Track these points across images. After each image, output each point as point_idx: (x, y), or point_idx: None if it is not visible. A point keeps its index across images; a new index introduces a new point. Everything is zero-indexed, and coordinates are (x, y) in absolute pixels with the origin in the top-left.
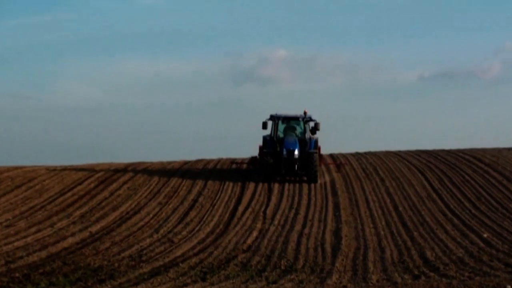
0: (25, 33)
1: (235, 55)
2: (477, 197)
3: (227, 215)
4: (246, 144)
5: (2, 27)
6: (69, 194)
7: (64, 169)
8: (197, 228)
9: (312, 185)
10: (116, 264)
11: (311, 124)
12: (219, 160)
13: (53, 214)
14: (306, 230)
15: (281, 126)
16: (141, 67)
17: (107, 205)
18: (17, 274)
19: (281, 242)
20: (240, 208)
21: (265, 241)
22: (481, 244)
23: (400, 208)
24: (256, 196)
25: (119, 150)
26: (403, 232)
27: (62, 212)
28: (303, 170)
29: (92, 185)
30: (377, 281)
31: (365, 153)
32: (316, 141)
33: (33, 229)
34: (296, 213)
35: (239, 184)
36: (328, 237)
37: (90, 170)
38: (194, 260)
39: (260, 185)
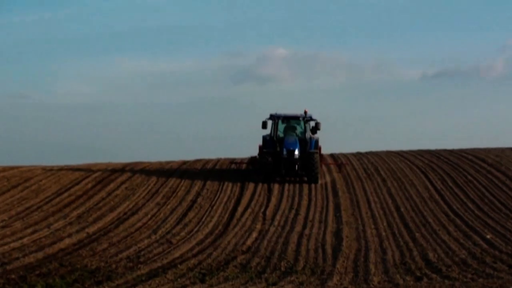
0: (23, 32)
1: (234, 53)
2: (480, 197)
3: (226, 215)
4: (246, 144)
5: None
6: (66, 194)
7: (61, 169)
8: (195, 229)
9: (313, 185)
10: (114, 266)
11: (312, 123)
12: (218, 160)
13: (50, 214)
14: (307, 231)
15: (281, 126)
16: (139, 65)
17: (105, 205)
18: (13, 276)
19: (281, 243)
20: (240, 209)
21: (265, 242)
22: (484, 245)
23: (402, 209)
24: (256, 196)
25: (116, 150)
26: (405, 233)
27: (58, 212)
28: (303, 171)
29: (89, 185)
30: (379, 283)
31: (367, 153)
32: (316, 141)
33: (29, 230)
34: (296, 214)
35: (239, 184)
36: (328, 238)
37: (87, 170)
38: (193, 261)
39: (260, 185)
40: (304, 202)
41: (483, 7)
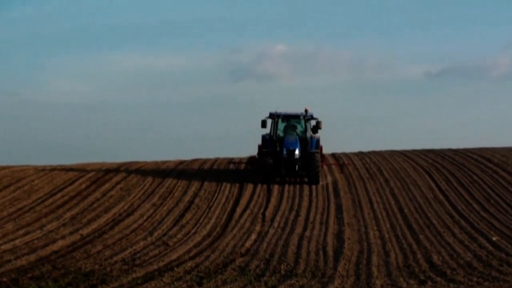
0: (10, 27)
1: (233, 50)
2: (486, 198)
3: (224, 217)
4: (245, 143)
5: None
6: (59, 195)
7: (54, 169)
8: (193, 231)
9: (313, 186)
10: (108, 268)
11: (313, 122)
12: (216, 160)
13: (43, 216)
14: (307, 233)
15: (281, 125)
16: (134, 62)
17: (99, 206)
18: (4, 279)
19: (281, 245)
20: (238, 210)
21: (264, 244)
22: (490, 248)
23: (406, 210)
24: (255, 197)
25: (111, 149)
26: (409, 235)
27: (51, 213)
28: (304, 171)
29: (83, 186)
30: (381, 286)
31: (369, 152)
32: (317, 141)
33: (21, 232)
34: (297, 215)
35: (237, 185)
36: (330, 240)
37: (81, 170)
38: (190, 264)
39: (259, 186)
40: (305, 203)
41: (488, 4)
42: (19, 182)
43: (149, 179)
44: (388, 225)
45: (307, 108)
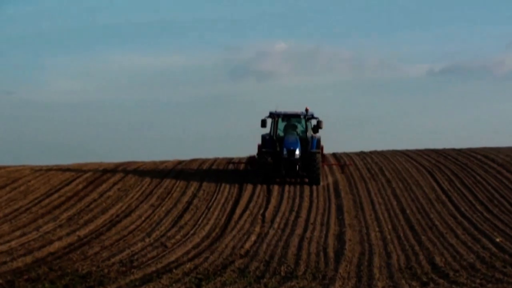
0: (8, 25)
1: (232, 48)
2: (490, 199)
3: (223, 218)
4: (244, 143)
5: None
6: (56, 195)
7: (50, 169)
8: (191, 232)
9: (314, 186)
10: (106, 270)
11: (313, 122)
12: (215, 160)
13: (39, 216)
14: (308, 234)
15: (281, 124)
16: (131, 61)
17: (96, 207)
18: (0, 281)
19: (281, 246)
20: (238, 211)
21: (264, 245)
22: (494, 249)
23: (408, 211)
24: (255, 198)
25: (108, 149)
26: (411, 236)
27: (48, 214)
28: (304, 171)
29: (80, 186)
30: None
31: (370, 152)
32: (318, 140)
33: (17, 233)
34: (297, 216)
35: (237, 185)
36: (331, 241)
37: (78, 170)
38: (189, 265)
39: (259, 186)
40: (305, 204)
41: (491, 2)
42: (15, 183)
43: (147, 179)
44: (390, 226)
45: (308, 107)
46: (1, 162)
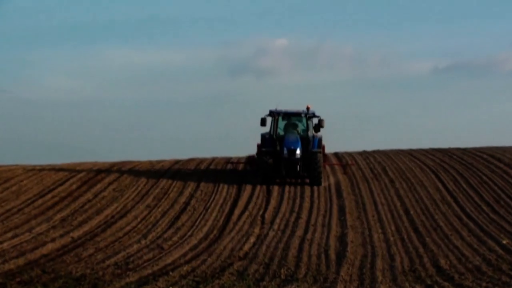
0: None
1: (231, 44)
2: (496, 200)
3: (222, 219)
4: (243, 142)
5: None
6: (49, 196)
7: (43, 168)
8: (189, 233)
9: (315, 187)
10: (101, 273)
11: (315, 120)
12: (213, 160)
13: (32, 217)
14: (309, 236)
15: (282, 123)
16: (127, 57)
17: (91, 208)
18: None
19: (281, 248)
20: (236, 212)
21: (264, 247)
22: (500, 251)
23: (412, 212)
24: (254, 198)
25: (103, 148)
26: (415, 238)
27: (41, 215)
28: (305, 172)
29: (74, 186)
30: None
31: (373, 151)
32: (320, 140)
33: (9, 234)
34: (298, 217)
35: (235, 185)
36: (332, 243)
37: (72, 170)
38: (186, 268)
39: (258, 186)
40: (306, 205)
41: None
42: (7, 183)
43: (143, 179)
44: (393, 228)
45: (309, 106)
46: None
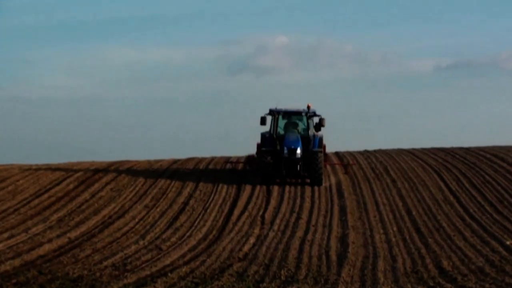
0: None
1: (230, 42)
2: (499, 200)
3: (221, 219)
4: (242, 142)
5: None
6: (46, 196)
7: (40, 168)
8: (187, 234)
9: (316, 187)
10: (98, 274)
11: (315, 119)
12: (212, 159)
13: (28, 218)
14: (309, 237)
15: (282, 122)
16: (126, 56)
17: (88, 208)
18: None
19: (281, 249)
20: (236, 212)
21: (264, 248)
22: (504, 253)
23: (414, 212)
24: (254, 198)
25: (101, 147)
26: (417, 238)
27: (37, 216)
28: (306, 171)
29: (71, 186)
30: None
31: (375, 151)
32: (320, 139)
33: (5, 235)
34: (298, 218)
35: (235, 185)
36: (333, 244)
37: (69, 169)
38: (185, 269)
39: (258, 186)
40: (307, 205)
41: None
42: (3, 182)
43: (141, 179)
44: (395, 228)
45: (310, 104)
46: None
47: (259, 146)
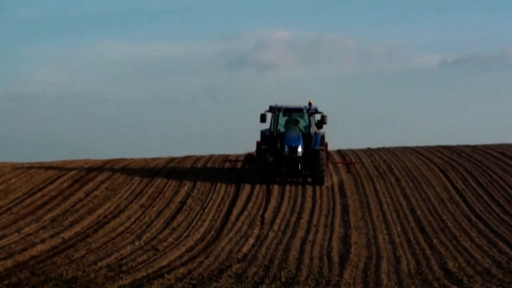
0: None
1: (230, 36)
2: (507, 199)
3: (219, 219)
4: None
5: None
6: (39, 195)
7: (32, 166)
8: (185, 234)
9: (318, 186)
10: (92, 275)
11: (317, 116)
12: (210, 157)
13: (20, 217)
14: (310, 237)
15: (282, 119)
16: (122, 51)
17: (82, 207)
18: None
19: (281, 250)
20: (235, 212)
21: (263, 249)
22: (511, 253)
23: (418, 212)
24: (253, 198)
25: (95, 145)
26: (422, 239)
27: (30, 215)
28: (307, 170)
29: (65, 185)
30: None
31: (378, 149)
32: (322, 137)
33: None
34: (299, 217)
35: (233, 184)
36: (335, 244)
37: (63, 167)
38: (182, 270)
39: (258, 185)
40: (308, 204)
41: None
42: None
43: (137, 178)
44: (399, 229)
45: (311, 101)
46: None
47: (259, 144)
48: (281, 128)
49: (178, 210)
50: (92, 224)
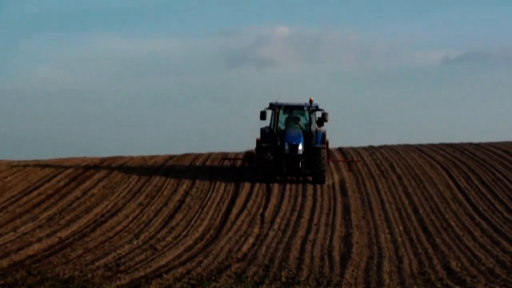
0: None
1: (229, 32)
2: (510, 198)
3: (218, 218)
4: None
5: None
6: (35, 193)
7: (28, 164)
8: (184, 233)
9: (318, 184)
10: (90, 275)
11: (318, 114)
12: (209, 155)
13: (16, 216)
14: (311, 236)
15: (283, 117)
16: (118, 46)
17: (79, 206)
18: None
19: (281, 249)
20: (234, 211)
21: (263, 248)
22: None
23: (421, 211)
24: (253, 196)
25: (93, 143)
26: (424, 238)
27: (26, 214)
28: (308, 168)
29: (62, 183)
30: None
31: (380, 147)
32: (323, 134)
33: None
34: (299, 216)
35: (233, 183)
36: (336, 244)
37: (59, 165)
38: (181, 270)
39: (258, 184)
40: (308, 203)
41: None
42: None
43: (135, 176)
44: (401, 228)
45: (312, 98)
46: None
47: (258, 142)
48: (281, 126)
49: (177, 209)
50: (89, 223)
